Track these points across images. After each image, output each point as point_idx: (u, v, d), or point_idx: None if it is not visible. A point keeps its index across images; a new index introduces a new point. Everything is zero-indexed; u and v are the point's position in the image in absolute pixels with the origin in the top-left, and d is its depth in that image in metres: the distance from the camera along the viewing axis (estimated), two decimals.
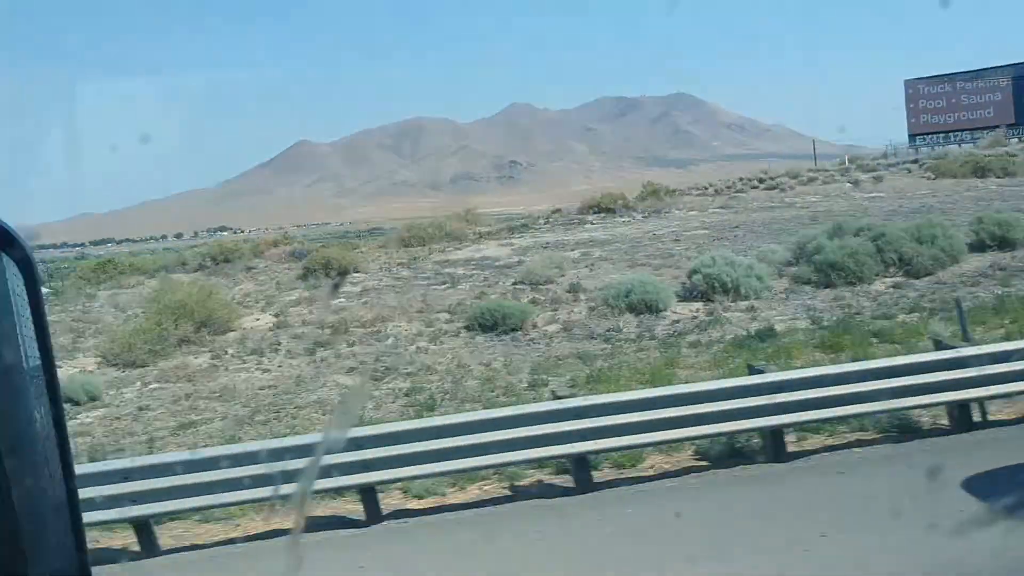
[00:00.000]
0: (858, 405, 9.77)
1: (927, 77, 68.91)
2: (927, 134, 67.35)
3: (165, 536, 9.38)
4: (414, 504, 10.02)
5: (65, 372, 17.37)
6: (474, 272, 24.33)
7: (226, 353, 17.72)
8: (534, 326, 17.89)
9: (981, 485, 7.93)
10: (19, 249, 1.02)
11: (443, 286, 22.46)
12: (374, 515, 9.27)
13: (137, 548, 8.98)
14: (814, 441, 10.66)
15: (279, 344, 18.03)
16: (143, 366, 17.21)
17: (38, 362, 1.02)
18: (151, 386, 16.25)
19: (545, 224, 34.53)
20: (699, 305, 18.41)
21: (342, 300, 21.85)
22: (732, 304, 18.20)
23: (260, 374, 16.46)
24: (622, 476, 10.20)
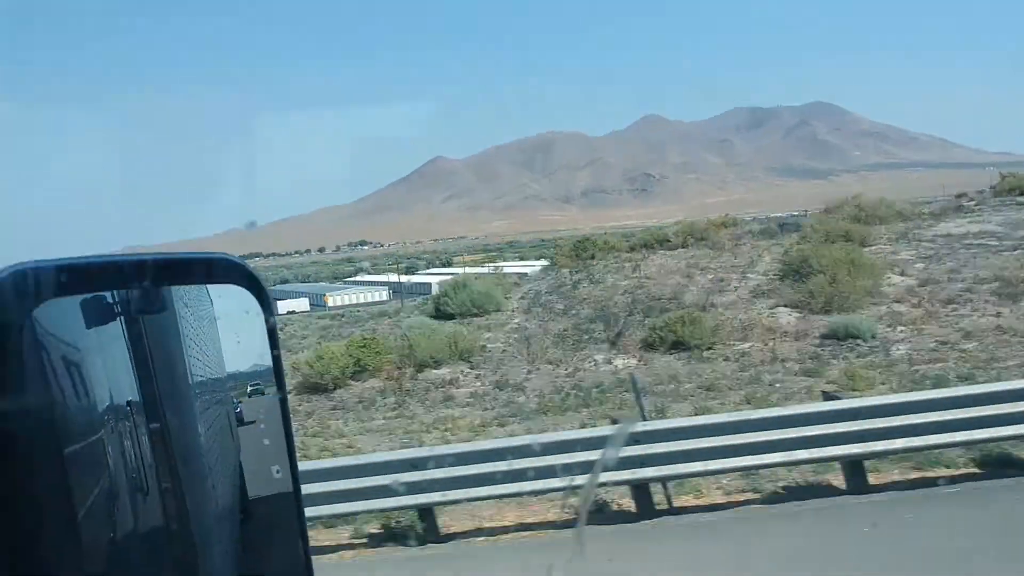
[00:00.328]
0: None
1: None
2: None
3: None
4: None
5: (785, 319, 18.06)
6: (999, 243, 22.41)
7: (919, 303, 16.57)
8: None
9: None
10: (255, 281, 1.13)
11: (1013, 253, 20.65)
12: None
13: None
14: None
15: (962, 297, 16.75)
16: (842, 312, 16.55)
17: (200, 378, 1.10)
18: (898, 329, 15.61)
19: (975, 206, 32.13)
20: None
21: (921, 265, 20.37)
22: None
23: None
24: None
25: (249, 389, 1.13)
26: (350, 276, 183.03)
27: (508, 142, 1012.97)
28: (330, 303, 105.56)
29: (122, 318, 0.92)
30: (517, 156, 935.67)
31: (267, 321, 1.15)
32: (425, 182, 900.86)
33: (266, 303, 1.15)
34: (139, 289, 1.00)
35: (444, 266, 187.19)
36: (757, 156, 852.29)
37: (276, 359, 1.18)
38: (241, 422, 1.13)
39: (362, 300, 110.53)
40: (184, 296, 1.04)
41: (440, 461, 9.15)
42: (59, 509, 0.79)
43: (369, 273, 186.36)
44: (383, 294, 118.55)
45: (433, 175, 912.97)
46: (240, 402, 1.12)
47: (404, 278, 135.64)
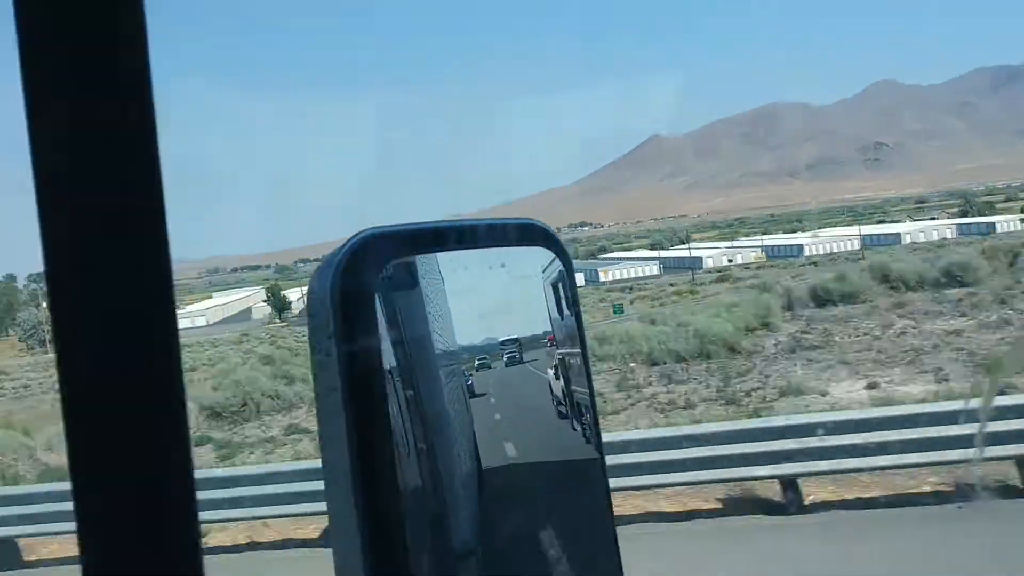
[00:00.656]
0: None
1: None
2: None
3: None
4: None
5: None
6: None
7: None
8: None
9: None
10: (558, 245, 1.23)
11: None
12: None
13: None
14: None
15: None
16: None
17: (439, 351, 1.16)
18: None
19: None
20: None
21: None
22: None
23: None
24: None
25: (477, 363, 1.17)
26: (595, 255, 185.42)
27: (727, 117, 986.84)
28: (603, 278, 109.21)
29: (379, 295, 1.00)
30: (737, 130, 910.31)
31: (569, 284, 1.23)
32: (643, 161, 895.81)
33: (568, 266, 1.23)
34: (451, 250, 1.11)
35: (681, 243, 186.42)
36: (1007, 119, 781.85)
37: (578, 322, 1.25)
38: (472, 394, 1.16)
39: (633, 275, 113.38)
40: (425, 272, 1.10)
41: None
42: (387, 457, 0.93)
43: (610, 251, 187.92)
44: (653, 268, 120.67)
45: (651, 154, 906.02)
46: (471, 375, 1.16)
47: (659, 253, 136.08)
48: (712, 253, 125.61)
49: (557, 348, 1.27)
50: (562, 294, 1.25)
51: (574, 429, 1.28)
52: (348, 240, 0.96)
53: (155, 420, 0.64)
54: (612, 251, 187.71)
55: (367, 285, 0.94)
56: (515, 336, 1.22)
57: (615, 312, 49.44)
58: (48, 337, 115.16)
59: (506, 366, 1.20)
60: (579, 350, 1.27)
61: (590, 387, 1.25)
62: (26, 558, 13.32)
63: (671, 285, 78.20)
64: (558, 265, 1.23)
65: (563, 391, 1.27)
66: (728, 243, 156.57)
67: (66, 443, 0.63)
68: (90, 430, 0.63)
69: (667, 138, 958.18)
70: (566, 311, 1.26)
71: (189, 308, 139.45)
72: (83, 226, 0.61)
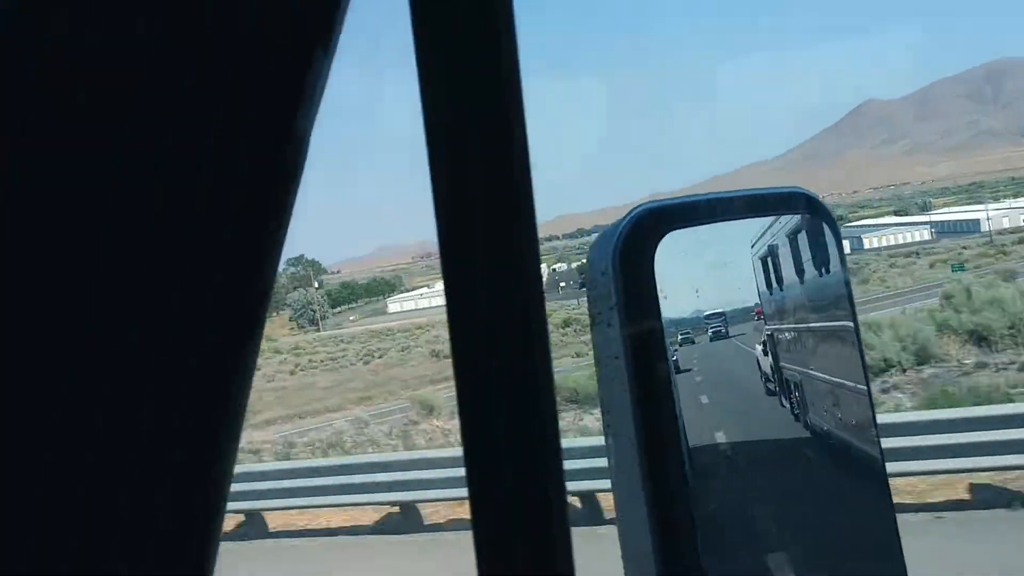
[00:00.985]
0: None
1: None
2: None
3: None
4: None
5: None
6: None
7: None
8: None
9: None
10: (827, 214, 1.21)
11: None
12: None
13: None
14: None
15: None
16: None
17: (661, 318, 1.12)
18: None
19: None
20: None
21: None
22: None
23: None
24: None
25: (680, 337, 1.13)
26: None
27: (948, 76, 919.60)
28: (867, 245, 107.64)
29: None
30: (960, 89, 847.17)
31: (838, 251, 1.20)
32: (856, 128, 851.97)
33: (836, 233, 1.21)
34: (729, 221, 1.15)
35: (922, 210, 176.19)
36: None
37: (848, 292, 1.21)
38: (678, 370, 1.11)
39: (900, 241, 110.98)
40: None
41: None
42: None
43: (848, 220, 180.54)
44: (924, 233, 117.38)
45: (865, 120, 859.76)
46: (676, 350, 1.12)
47: (928, 217, 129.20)
48: (991, 215, 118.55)
49: (766, 323, 1.23)
50: (772, 265, 1.23)
51: (783, 406, 1.24)
52: (627, 213, 1.01)
53: (537, 423, 0.65)
54: (851, 220, 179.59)
55: (647, 256, 0.97)
56: (720, 310, 1.20)
57: (954, 270, 47.53)
58: (318, 315, 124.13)
59: (711, 341, 1.18)
60: (791, 325, 1.26)
61: (864, 367, 1.21)
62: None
63: (964, 248, 73.69)
64: (769, 239, 1.21)
65: (772, 367, 1.23)
66: (996, 205, 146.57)
67: (462, 442, 0.67)
68: (480, 431, 0.65)
69: (882, 102, 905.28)
70: (813, 275, 1.23)
71: (423, 290, 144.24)
72: (473, 230, 0.61)
